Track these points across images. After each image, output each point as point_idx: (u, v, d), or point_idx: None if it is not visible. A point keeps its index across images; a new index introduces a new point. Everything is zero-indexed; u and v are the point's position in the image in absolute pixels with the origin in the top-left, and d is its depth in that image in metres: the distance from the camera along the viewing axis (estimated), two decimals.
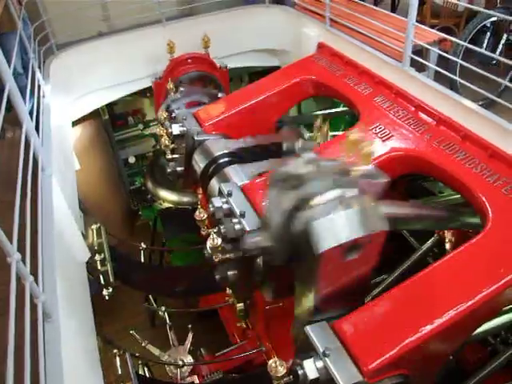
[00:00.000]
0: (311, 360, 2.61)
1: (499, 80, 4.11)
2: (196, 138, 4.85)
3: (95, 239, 5.80)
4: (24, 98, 3.73)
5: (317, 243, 2.51)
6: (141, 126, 9.87)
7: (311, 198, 2.66)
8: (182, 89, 5.94)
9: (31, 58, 5.03)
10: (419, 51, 5.03)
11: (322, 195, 2.65)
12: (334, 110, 6.64)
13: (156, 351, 5.25)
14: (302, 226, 2.61)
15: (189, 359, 5.26)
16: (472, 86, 4.16)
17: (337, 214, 2.56)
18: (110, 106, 8.85)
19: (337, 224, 2.55)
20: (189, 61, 6.48)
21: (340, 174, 2.75)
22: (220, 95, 6.07)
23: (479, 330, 3.28)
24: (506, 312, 3.63)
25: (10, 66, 3.50)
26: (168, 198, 7.61)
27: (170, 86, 5.91)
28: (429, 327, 2.60)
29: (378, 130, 4.19)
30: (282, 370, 2.64)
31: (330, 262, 2.59)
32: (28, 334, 2.11)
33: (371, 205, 2.66)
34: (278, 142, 4.75)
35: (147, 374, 5.06)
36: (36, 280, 2.44)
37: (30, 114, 3.90)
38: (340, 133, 5.33)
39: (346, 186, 2.70)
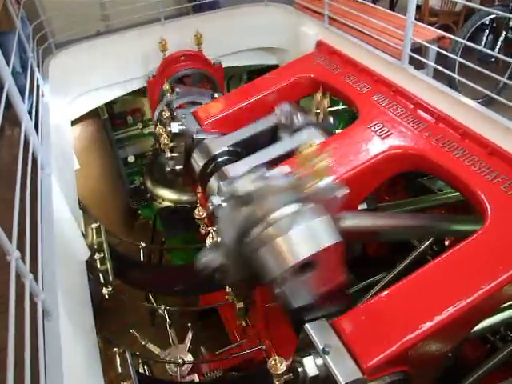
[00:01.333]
0: (311, 357, 2.61)
1: (498, 77, 4.12)
2: (195, 137, 4.86)
3: (95, 238, 5.80)
4: (23, 97, 3.73)
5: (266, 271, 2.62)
6: (140, 125, 9.87)
7: (264, 215, 2.69)
8: (177, 90, 5.92)
9: (30, 58, 5.03)
10: (418, 49, 5.04)
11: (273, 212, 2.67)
12: (332, 109, 6.64)
13: (156, 350, 5.26)
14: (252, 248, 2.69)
15: (189, 358, 5.26)
16: (471, 84, 4.16)
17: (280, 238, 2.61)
18: (109, 105, 8.85)
19: (282, 249, 2.61)
20: (182, 58, 6.46)
21: (293, 191, 2.73)
22: (216, 95, 6.06)
23: (478, 326, 3.29)
24: (505, 309, 3.64)
25: (8, 65, 3.50)
26: (167, 196, 7.60)
27: (166, 87, 5.89)
28: (428, 324, 2.60)
29: (376, 128, 4.19)
30: (282, 368, 2.64)
31: (284, 283, 2.65)
32: (28, 332, 2.12)
33: (318, 220, 2.69)
34: (274, 125, 4.73)
35: (147, 373, 5.06)
36: (36, 278, 2.45)
37: (29, 113, 3.90)
38: (339, 131, 5.33)
39: (299, 202, 2.70)
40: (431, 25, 5.87)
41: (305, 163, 2.70)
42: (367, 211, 3.79)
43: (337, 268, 2.80)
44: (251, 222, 2.71)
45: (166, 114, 5.34)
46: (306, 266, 2.64)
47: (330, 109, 6.70)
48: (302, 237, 2.63)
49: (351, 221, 3.24)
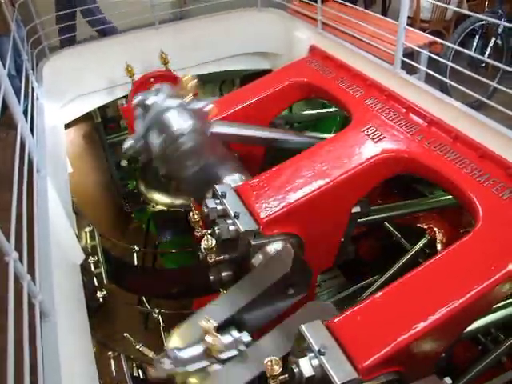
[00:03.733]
0: (307, 358, 2.64)
1: (489, 82, 4.19)
2: None
3: (88, 241, 5.80)
4: (18, 99, 3.73)
5: None
6: None
7: None
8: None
9: (24, 61, 5.03)
10: (410, 54, 5.10)
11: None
12: (325, 110, 6.70)
13: (150, 353, 5.23)
14: None
15: None
16: (462, 88, 4.23)
17: None
18: (102, 109, 8.82)
19: None
20: (151, 80, 6.43)
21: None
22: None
23: (470, 327, 3.34)
24: (497, 310, 3.69)
25: (4, 67, 3.50)
26: (161, 200, 7.59)
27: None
28: (422, 324, 2.64)
29: (369, 132, 4.24)
30: (277, 369, 2.66)
31: None
32: (26, 333, 2.13)
33: None
34: None
35: (142, 376, 5.04)
36: (33, 280, 2.45)
37: (24, 115, 3.90)
38: (331, 135, 5.38)
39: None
40: (423, 30, 5.94)
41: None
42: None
43: None
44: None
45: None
46: None
47: (321, 110, 6.82)
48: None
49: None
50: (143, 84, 6.31)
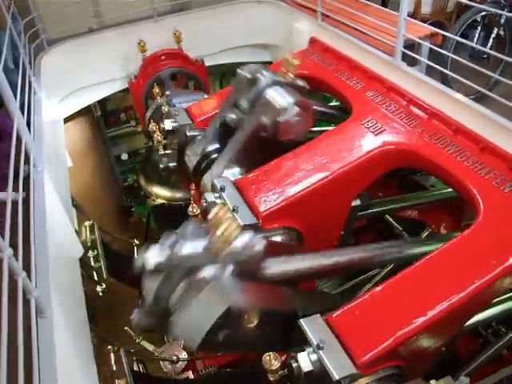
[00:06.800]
0: (305, 353, 2.62)
1: (491, 74, 4.14)
2: (188, 134, 4.84)
3: (88, 236, 5.79)
4: (15, 93, 3.70)
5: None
6: (133, 123, 9.83)
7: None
8: (168, 92, 5.92)
9: (22, 54, 5.00)
10: (411, 45, 5.05)
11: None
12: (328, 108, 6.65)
13: (150, 347, 5.25)
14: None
15: (183, 355, 5.26)
16: (463, 80, 4.18)
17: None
18: (101, 102, 8.81)
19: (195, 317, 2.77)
20: (162, 57, 6.45)
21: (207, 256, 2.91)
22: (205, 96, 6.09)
23: (471, 321, 3.32)
24: (497, 303, 3.67)
25: (0, 61, 3.47)
26: (161, 194, 7.59)
27: (156, 90, 5.89)
28: (422, 319, 2.61)
29: (370, 124, 4.20)
30: (276, 364, 2.65)
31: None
32: (21, 329, 2.11)
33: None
34: None
35: (142, 370, 5.05)
36: (29, 276, 2.44)
37: (21, 110, 3.87)
38: (331, 127, 5.33)
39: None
40: (424, 21, 5.88)
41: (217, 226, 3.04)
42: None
43: None
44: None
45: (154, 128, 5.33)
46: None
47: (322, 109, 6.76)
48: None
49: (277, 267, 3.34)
50: (154, 60, 6.39)
